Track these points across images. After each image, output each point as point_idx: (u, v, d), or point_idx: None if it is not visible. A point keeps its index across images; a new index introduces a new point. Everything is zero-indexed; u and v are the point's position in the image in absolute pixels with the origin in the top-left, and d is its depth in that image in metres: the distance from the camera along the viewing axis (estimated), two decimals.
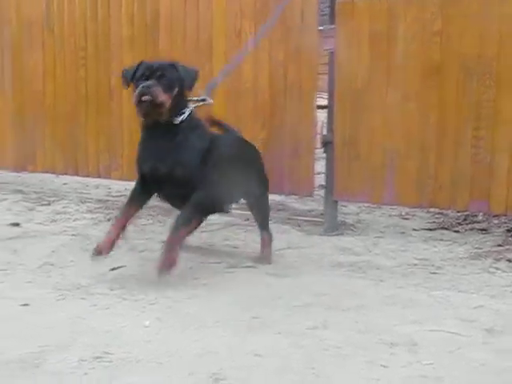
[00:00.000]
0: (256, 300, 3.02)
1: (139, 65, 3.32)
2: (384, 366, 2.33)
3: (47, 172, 5.69)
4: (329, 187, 4.55)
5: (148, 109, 3.19)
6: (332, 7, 4.42)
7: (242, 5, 4.62)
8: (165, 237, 3.87)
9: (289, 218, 4.78)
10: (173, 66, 3.30)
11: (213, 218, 4.53)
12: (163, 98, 3.16)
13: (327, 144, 4.51)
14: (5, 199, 5.33)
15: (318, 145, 4.71)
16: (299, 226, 4.60)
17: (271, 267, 3.57)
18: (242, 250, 3.93)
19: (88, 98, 5.22)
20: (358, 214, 5.08)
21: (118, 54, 5.05)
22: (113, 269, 3.46)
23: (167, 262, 3.13)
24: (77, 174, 5.44)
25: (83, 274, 3.38)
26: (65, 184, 6.05)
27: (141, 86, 3.16)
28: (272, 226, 4.52)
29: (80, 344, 2.48)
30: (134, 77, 3.28)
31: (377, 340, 2.56)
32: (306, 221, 4.73)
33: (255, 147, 3.96)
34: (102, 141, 5.14)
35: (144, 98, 3.14)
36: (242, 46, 4.64)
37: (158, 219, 4.66)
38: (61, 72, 5.33)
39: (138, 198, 3.40)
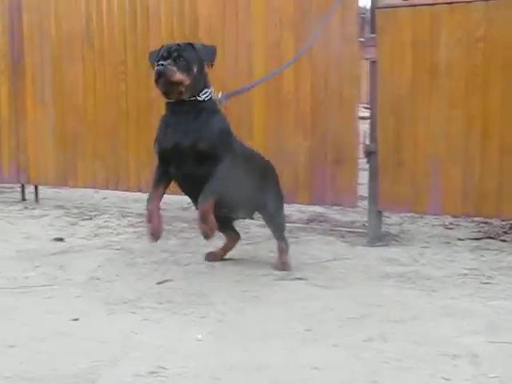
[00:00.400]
0: (307, 312, 2.97)
1: (161, 48, 3.40)
2: (446, 379, 2.25)
3: (88, 187, 5.71)
4: (372, 197, 4.49)
5: (166, 87, 3.29)
6: (373, 15, 4.38)
7: (281, 15, 4.60)
8: (208, 249, 3.91)
9: (332, 230, 4.73)
10: (190, 45, 3.38)
11: (256, 230, 4.54)
12: (179, 76, 3.24)
13: (370, 154, 4.45)
14: (46, 215, 5.36)
15: (361, 155, 4.65)
16: (343, 237, 4.55)
17: (319, 279, 3.51)
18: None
19: (129, 113, 5.25)
20: (400, 224, 5.01)
21: None
22: (159, 282, 3.43)
23: (208, 229, 3.23)
24: (117, 189, 5.45)
25: (130, 288, 3.36)
26: (104, 199, 6.09)
27: (157, 65, 3.25)
28: (316, 237, 4.52)
29: (133, 359, 2.44)
30: (156, 59, 3.34)
31: (437, 352, 2.48)
32: (349, 232, 4.67)
33: (270, 162, 3.93)
34: (143, 155, 5.13)
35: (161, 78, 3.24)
36: (281, 57, 4.63)
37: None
38: (101, 86, 5.35)
39: (163, 179, 3.44)
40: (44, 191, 6.19)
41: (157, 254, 4.05)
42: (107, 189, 5.58)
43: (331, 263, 3.87)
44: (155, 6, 5.06)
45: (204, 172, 3.26)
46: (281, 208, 3.94)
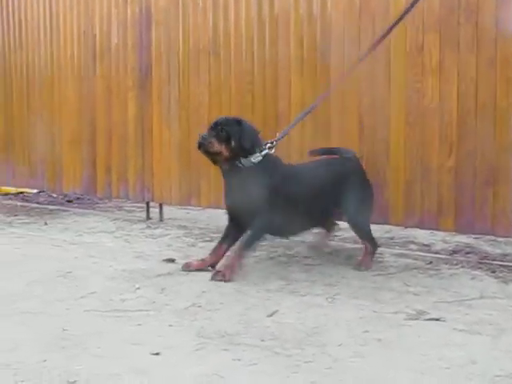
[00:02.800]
0: (444, 364, 2.34)
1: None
2: None
3: (211, 207, 5.36)
4: None
5: (206, 156, 3.75)
6: None
7: (424, 16, 4.02)
8: (332, 280, 3.41)
9: (480, 262, 4.03)
10: (237, 121, 3.73)
11: (390, 260, 3.97)
12: (217, 148, 3.63)
13: None
14: (167, 235, 5.05)
15: None
16: (493, 271, 3.84)
17: (460, 321, 2.86)
18: (425, 298, 3.24)
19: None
20: None
21: (285, 78, 4.62)
22: (270, 315, 2.94)
23: (227, 274, 3.57)
24: None
25: (232, 319, 2.89)
26: None
27: (199, 136, 3.68)
28: (460, 270, 3.86)
29: None
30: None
31: None
32: (501, 265, 3.95)
33: (353, 160, 4.06)
34: None
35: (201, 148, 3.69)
36: (424, 63, 4.04)
37: (326, 258, 4.13)
38: (226, 99, 4.99)
39: (230, 236, 3.81)
40: (174, 211, 5.92)
41: (273, 281, 3.58)
42: None
43: (477, 302, 3.20)
44: (284, 13, 4.63)
45: None
46: (363, 209, 3.97)
